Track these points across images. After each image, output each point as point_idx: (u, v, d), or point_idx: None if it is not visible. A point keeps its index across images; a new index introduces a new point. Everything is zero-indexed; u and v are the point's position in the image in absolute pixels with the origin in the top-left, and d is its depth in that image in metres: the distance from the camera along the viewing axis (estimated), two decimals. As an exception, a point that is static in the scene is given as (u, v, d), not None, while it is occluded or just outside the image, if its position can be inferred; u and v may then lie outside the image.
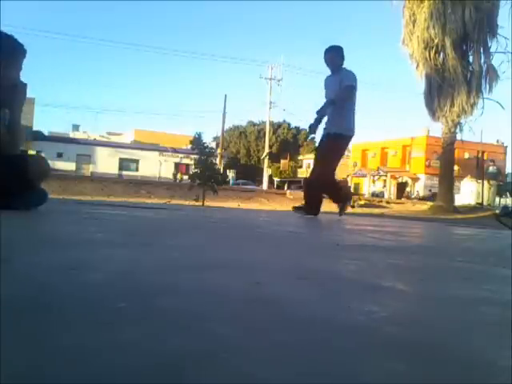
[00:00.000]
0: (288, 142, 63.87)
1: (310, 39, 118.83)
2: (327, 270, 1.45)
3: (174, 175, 39.66)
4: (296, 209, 5.40)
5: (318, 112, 5.03)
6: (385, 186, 41.57)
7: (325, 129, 5.15)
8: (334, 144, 5.09)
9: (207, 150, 9.84)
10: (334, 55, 5.15)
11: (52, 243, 1.64)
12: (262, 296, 0.97)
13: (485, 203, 18.24)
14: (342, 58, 5.19)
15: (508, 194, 21.18)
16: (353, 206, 17.18)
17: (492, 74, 14.68)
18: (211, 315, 0.80)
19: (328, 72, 5.27)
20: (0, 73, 2.85)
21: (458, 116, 14.80)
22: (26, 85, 2.98)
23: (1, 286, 0.88)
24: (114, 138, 52.08)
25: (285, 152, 57.25)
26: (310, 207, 5.15)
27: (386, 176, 42.95)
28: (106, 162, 40.82)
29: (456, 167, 17.88)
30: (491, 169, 20.98)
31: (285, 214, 6.30)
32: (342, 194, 5.49)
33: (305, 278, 1.24)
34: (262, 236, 2.70)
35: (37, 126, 39.62)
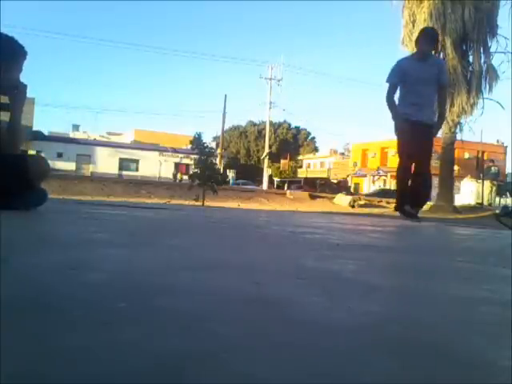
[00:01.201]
0: (288, 142, 63.94)
1: (310, 39, 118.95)
2: (328, 269, 1.45)
3: (174, 175, 39.67)
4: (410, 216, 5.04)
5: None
6: (384, 185, 41.55)
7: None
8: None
9: (207, 150, 9.84)
10: (427, 39, 4.83)
11: (52, 243, 1.64)
12: (261, 296, 0.97)
13: (485, 203, 18.24)
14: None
15: (508, 193, 21.17)
16: (353, 206, 17.19)
17: (492, 74, 14.67)
18: (211, 315, 0.80)
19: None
20: (0, 75, 2.85)
21: (458, 116, 14.79)
22: (26, 86, 2.99)
23: (1, 286, 0.88)
24: (113, 138, 52.12)
25: (285, 152, 57.29)
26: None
27: (386, 176, 42.94)
28: (106, 162, 40.84)
29: (456, 167, 17.87)
30: (493, 169, 20.98)
31: (285, 214, 6.30)
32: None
33: (304, 277, 1.24)
34: (261, 236, 2.70)
35: (37, 126, 39.69)
